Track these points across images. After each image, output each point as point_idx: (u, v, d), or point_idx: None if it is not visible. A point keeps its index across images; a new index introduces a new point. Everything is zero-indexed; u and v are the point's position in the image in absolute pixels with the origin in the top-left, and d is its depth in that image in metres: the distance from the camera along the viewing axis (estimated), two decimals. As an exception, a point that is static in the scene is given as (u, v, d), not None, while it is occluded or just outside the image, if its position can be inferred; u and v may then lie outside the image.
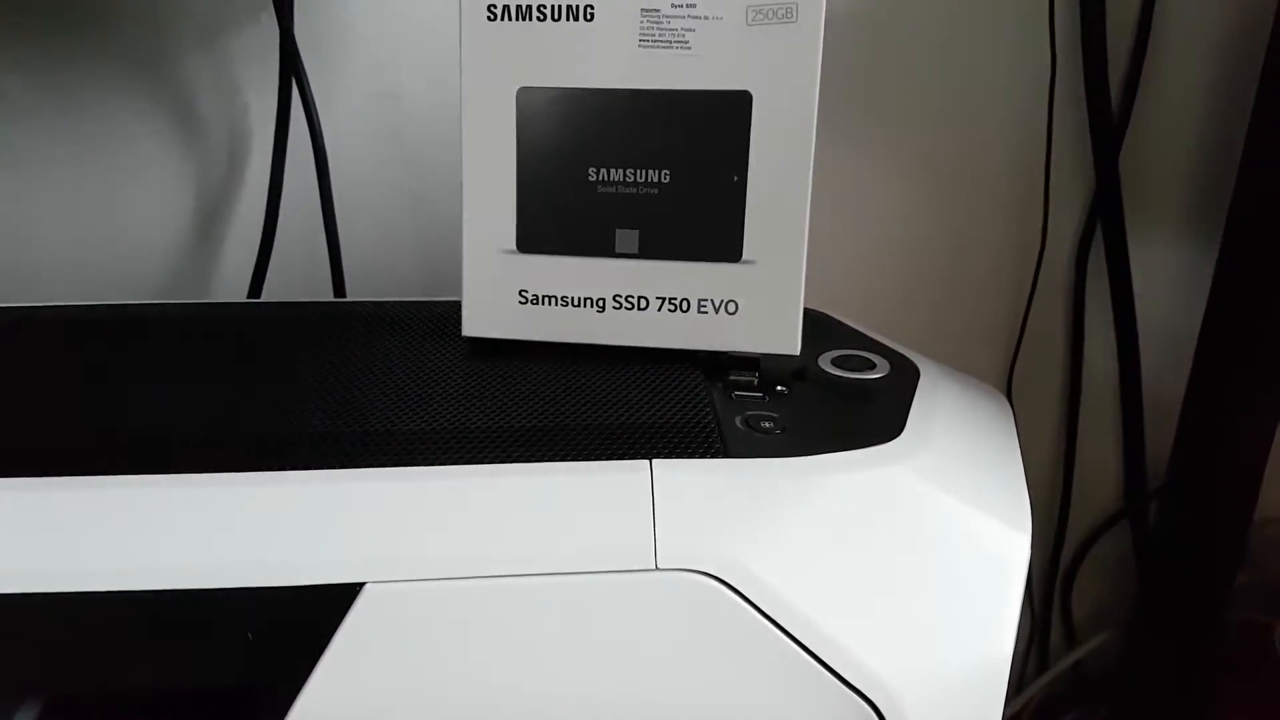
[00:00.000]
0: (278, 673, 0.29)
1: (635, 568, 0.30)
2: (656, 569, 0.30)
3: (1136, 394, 0.68)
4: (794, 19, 0.36)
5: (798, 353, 0.40)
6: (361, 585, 0.29)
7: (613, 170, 0.39)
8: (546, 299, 0.41)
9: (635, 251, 0.40)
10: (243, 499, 0.30)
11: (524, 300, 0.41)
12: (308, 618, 0.29)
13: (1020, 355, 0.68)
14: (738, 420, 0.35)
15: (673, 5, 0.37)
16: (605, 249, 0.40)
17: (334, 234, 0.59)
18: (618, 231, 0.40)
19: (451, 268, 0.41)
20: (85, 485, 0.31)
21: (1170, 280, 0.67)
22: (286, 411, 0.35)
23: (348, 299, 0.59)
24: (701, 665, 0.30)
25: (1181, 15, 0.61)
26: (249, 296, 0.61)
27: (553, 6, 0.38)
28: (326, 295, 0.61)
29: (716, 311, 0.40)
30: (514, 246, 0.40)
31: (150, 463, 0.31)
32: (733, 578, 0.30)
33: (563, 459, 0.32)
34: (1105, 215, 0.64)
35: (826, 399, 0.38)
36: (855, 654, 0.31)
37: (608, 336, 0.41)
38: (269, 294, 0.61)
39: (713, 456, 0.33)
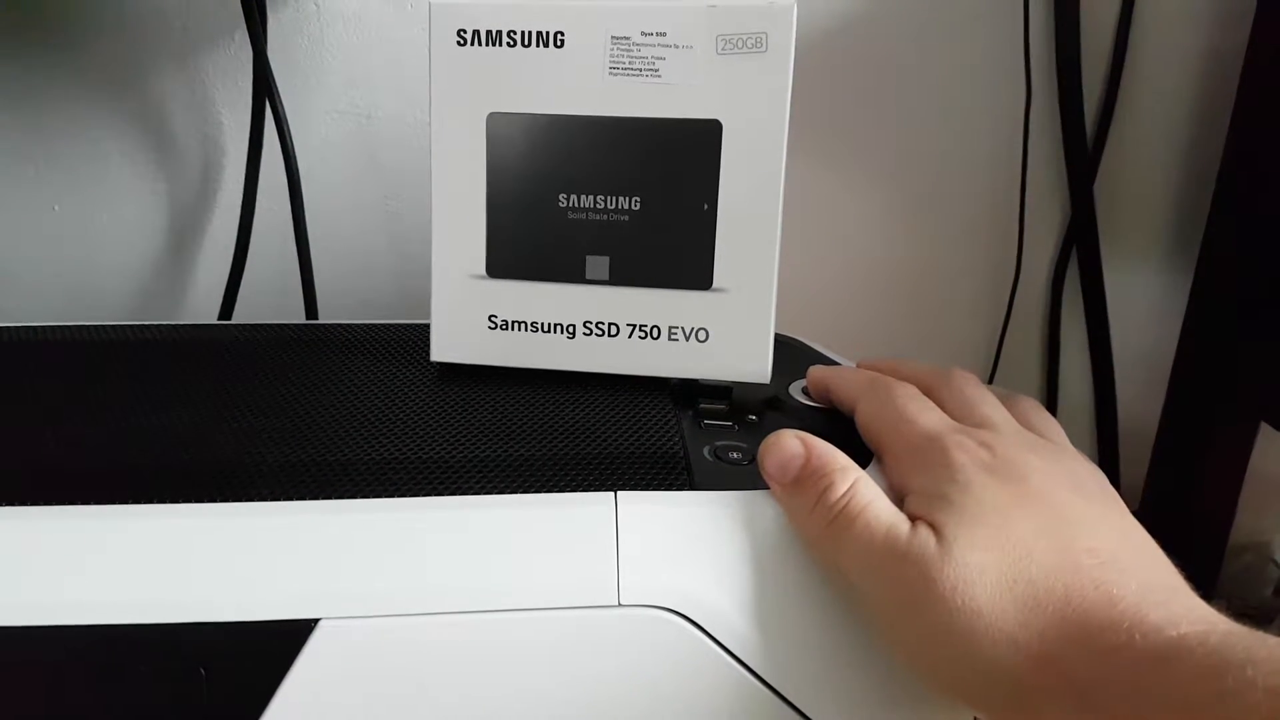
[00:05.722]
0: (228, 712, 0.29)
1: (597, 604, 0.29)
2: (619, 605, 0.29)
3: (1111, 421, 0.68)
4: (764, 48, 0.36)
5: (768, 381, 0.39)
6: (316, 621, 0.29)
7: (583, 197, 0.39)
8: (516, 325, 0.40)
9: (606, 278, 0.39)
10: (192, 531, 0.30)
11: (493, 326, 0.40)
12: (259, 655, 0.28)
13: (995, 381, 0.68)
14: (706, 450, 0.35)
15: (643, 33, 0.37)
16: (575, 275, 0.40)
17: (306, 255, 0.58)
18: (588, 258, 0.39)
19: (426, 289, 0.41)
20: (25, 515, 0.30)
21: (1145, 306, 0.67)
22: (245, 439, 0.34)
23: (319, 321, 0.59)
24: (665, 704, 0.30)
25: (1156, 43, 0.61)
26: (220, 318, 0.60)
27: (523, 33, 0.37)
28: (298, 317, 0.60)
29: (687, 339, 0.39)
30: (483, 272, 0.40)
31: (98, 492, 0.31)
32: (697, 614, 0.29)
33: (526, 490, 0.32)
34: (1080, 241, 0.64)
35: (798, 428, 0.38)
36: (823, 693, 0.30)
37: (577, 363, 0.40)
38: (240, 315, 0.61)
39: (679, 488, 0.32)
